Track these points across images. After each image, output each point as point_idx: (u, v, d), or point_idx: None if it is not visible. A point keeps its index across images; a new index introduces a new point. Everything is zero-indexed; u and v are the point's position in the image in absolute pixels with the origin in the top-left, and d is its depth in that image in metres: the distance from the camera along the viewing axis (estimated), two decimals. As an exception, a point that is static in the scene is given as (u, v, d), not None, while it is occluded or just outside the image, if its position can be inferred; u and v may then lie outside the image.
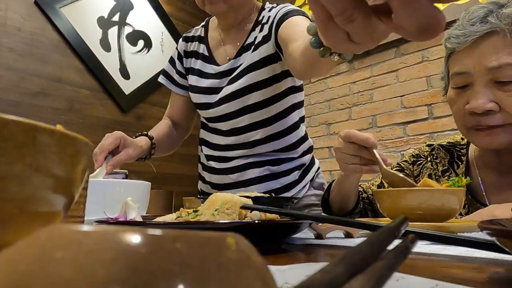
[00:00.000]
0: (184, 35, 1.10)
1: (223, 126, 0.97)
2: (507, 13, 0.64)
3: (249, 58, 0.92)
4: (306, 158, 1.00)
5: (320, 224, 0.51)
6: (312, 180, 1.01)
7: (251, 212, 0.45)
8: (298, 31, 0.78)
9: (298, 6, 1.13)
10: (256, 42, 0.92)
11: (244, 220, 0.43)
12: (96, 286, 0.08)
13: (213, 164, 1.00)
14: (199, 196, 0.88)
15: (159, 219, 0.48)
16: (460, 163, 0.82)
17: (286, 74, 0.92)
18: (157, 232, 0.10)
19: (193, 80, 1.02)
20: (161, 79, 1.11)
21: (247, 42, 0.95)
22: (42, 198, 0.15)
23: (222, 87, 0.95)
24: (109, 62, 2.36)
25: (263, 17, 0.94)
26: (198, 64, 1.02)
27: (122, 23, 2.46)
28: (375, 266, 0.12)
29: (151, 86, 2.54)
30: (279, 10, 0.90)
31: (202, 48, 1.04)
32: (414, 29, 0.20)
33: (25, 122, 0.13)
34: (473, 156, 0.81)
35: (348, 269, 0.12)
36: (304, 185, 0.98)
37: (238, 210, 0.44)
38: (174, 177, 2.58)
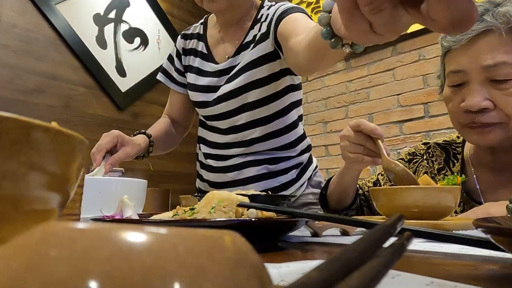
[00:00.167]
0: (182, 32, 1.09)
1: (222, 124, 0.97)
2: (503, 12, 0.64)
3: (247, 56, 0.92)
4: (304, 157, 1.00)
5: (316, 222, 0.51)
6: (309, 178, 1.01)
7: (247, 210, 0.45)
8: (299, 26, 0.78)
9: (296, 4, 1.13)
10: (255, 41, 0.92)
11: (240, 218, 0.43)
12: (91, 285, 0.08)
13: (211, 162, 1.00)
14: (196, 194, 0.88)
15: (156, 217, 0.48)
16: (455, 161, 0.83)
17: (284, 72, 0.92)
18: (153, 230, 0.10)
19: (191, 78, 1.02)
20: (159, 76, 1.11)
21: (245, 41, 0.94)
22: (36, 195, 0.15)
23: (221, 86, 0.95)
24: (105, 59, 2.35)
25: (262, 15, 0.94)
26: (196, 62, 1.02)
27: (118, 20, 2.44)
28: (370, 263, 0.13)
29: (147, 83, 2.53)
30: (278, 8, 0.90)
31: (201, 46, 1.03)
32: (447, 22, 0.19)
33: (19, 119, 0.13)
34: (469, 154, 0.81)
35: (344, 267, 0.12)
36: (302, 184, 0.98)
37: (235, 208, 0.44)
38: (172, 175, 2.57)
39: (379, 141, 0.64)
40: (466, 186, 0.78)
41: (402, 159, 0.90)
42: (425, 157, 0.87)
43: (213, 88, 0.96)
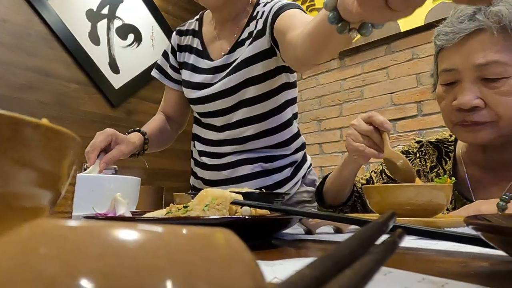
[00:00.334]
0: (177, 28, 1.08)
1: (217, 121, 0.97)
2: (495, 11, 0.65)
3: (243, 53, 0.92)
4: (299, 155, 1.00)
5: (310, 219, 0.51)
6: (304, 176, 1.01)
7: (241, 208, 0.45)
8: (296, 21, 0.77)
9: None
10: (250, 38, 0.92)
11: (234, 216, 0.43)
12: (82, 282, 0.08)
13: (205, 160, 0.99)
14: (189, 192, 0.88)
15: (149, 215, 0.48)
16: (447, 159, 0.83)
17: (280, 70, 0.92)
18: (145, 227, 0.10)
19: (186, 75, 1.01)
20: (154, 73, 1.10)
21: (241, 38, 0.94)
22: (27, 192, 0.14)
23: (216, 82, 0.95)
24: (98, 56, 2.32)
25: (258, 12, 0.93)
26: (191, 58, 1.01)
27: (111, 16, 2.42)
28: (363, 260, 0.13)
29: (141, 80, 2.51)
30: (274, 5, 0.89)
31: (196, 43, 1.03)
32: None
33: (9, 115, 0.13)
34: (461, 152, 0.82)
35: (336, 264, 0.12)
36: (296, 182, 0.99)
37: (229, 206, 0.44)
38: (166, 172, 2.56)
39: (386, 134, 0.65)
40: (458, 184, 0.79)
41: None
42: (418, 155, 0.88)
43: (209, 85, 0.96)
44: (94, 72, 2.29)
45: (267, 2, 0.94)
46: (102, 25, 2.36)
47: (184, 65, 1.03)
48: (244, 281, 0.11)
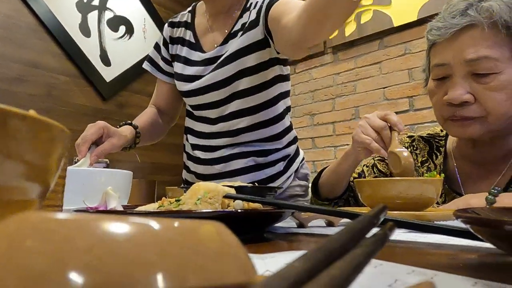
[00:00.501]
0: (169, 20, 1.07)
1: (210, 114, 0.96)
2: (486, 7, 0.65)
3: (236, 44, 0.91)
4: (291, 149, 1.00)
5: (302, 213, 0.51)
6: (296, 170, 1.02)
7: (234, 201, 0.45)
8: (290, 6, 0.77)
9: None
10: (243, 29, 0.91)
11: (226, 210, 0.43)
12: (70, 277, 0.07)
13: (198, 154, 0.99)
14: (182, 186, 0.88)
15: (141, 209, 0.47)
16: (438, 154, 0.84)
17: (274, 61, 0.92)
18: (135, 220, 0.10)
19: (178, 67, 1.00)
20: (145, 65, 1.09)
21: (234, 29, 0.93)
22: (15, 185, 0.14)
23: (207, 74, 0.94)
24: (89, 48, 2.29)
25: (251, 3, 0.93)
26: (184, 51, 1.00)
27: (102, 7, 2.38)
28: (354, 253, 0.13)
29: (133, 73, 2.48)
30: None
31: (188, 35, 1.01)
32: None
33: (-5, 106, 0.13)
34: (451, 147, 0.83)
35: (327, 256, 0.12)
36: (289, 176, 0.99)
37: (221, 200, 0.44)
38: (158, 166, 2.55)
39: (396, 133, 0.66)
40: (448, 178, 0.80)
41: (387, 151, 0.91)
42: (409, 149, 0.88)
43: (200, 77, 0.95)
44: (84, 65, 2.25)
45: None
46: (92, 16, 2.32)
47: (176, 58, 1.02)
48: (235, 274, 0.11)
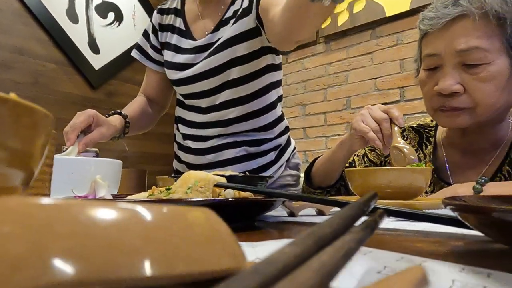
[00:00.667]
0: (159, 7, 1.05)
1: (201, 103, 0.95)
2: None
3: (228, 32, 0.90)
4: (283, 139, 1.00)
5: (293, 202, 0.52)
6: (288, 160, 1.02)
7: (224, 190, 0.45)
8: None
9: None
10: (235, 16, 0.90)
11: (217, 198, 0.43)
12: (50, 263, 0.07)
13: (189, 143, 0.98)
14: (173, 175, 0.87)
15: (131, 198, 0.47)
16: (428, 144, 0.85)
17: (265, 50, 0.91)
18: (120, 205, 0.09)
19: (168, 55, 0.98)
20: (134, 53, 1.07)
21: (226, 16, 0.92)
22: (-4, 172, 0.14)
23: (199, 62, 0.93)
24: (77, 34, 2.23)
25: None
26: (174, 39, 0.98)
27: (90, -7, 2.32)
28: (343, 239, 0.13)
29: (122, 61, 2.43)
30: None
31: (178, 22, 0.99)
32: None
33: (-28, 88, 0.12)
34: (441, 137, 0.84)
35: (317, 242, 0.12)
36: (280, 166, 0.99)
37: (212, 188, 0.44)
38: (149, 156, 2.53)
39: (397, 128, 0.67)
40: (437, 167, 0.81)
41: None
42: (399, 139, 0.89)
43: (191, 65, 0.94)
44: (72, 52, 2.20)
45: None
46: (80, 2, 2.26)
47: (166, 46, 1.00)
48: (224, 260, 0.11)
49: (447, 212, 0.28)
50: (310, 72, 2.44)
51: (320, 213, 0.54)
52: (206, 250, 0.10)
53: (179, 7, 1.01)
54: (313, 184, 0.86)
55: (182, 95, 1.00)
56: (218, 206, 0.37)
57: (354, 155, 0.92)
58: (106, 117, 0.88)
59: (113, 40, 2.42)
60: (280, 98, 1.01)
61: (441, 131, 0.85)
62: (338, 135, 2.26)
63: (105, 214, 0.09)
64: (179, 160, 1.03)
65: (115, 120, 0.90)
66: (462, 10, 0.66)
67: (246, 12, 0.88)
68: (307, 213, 0.55)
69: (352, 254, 0.12)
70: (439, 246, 0.27)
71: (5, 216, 0.07)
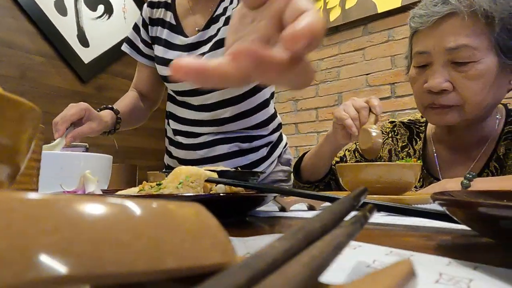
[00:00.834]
0: (149, 0, 1.03)
1: (193, 100, 0.94)
2: None
3: (220, 32, 0.89)
4: (275, 135, 1.01)
5: (284, 197, 0.52)
6: (279, 156, 1.02)
7: (216, 185, 0.45)
8: None
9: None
10: (226, 14, 0.89)
11: (208, 193, 0.43)
12: (34, 258, 0.07)
13: (180, 139, 0.98)
14: (164, 170, 0.86)
15: (121, 193, 0.47)
16: (418, 139, 0.86)
17: None
18: (107, 200, 0.09)
19: (159, 50, 0.97)
20: (124, 47, 1.05)
21: (216, 13, 0.91)
22: (-20, 166, 0.13)
23: None
24: (66, 27, 2.19)
25: None
26: (164, 33, 0.97)
27: (79, -15, 2.27)
28: (333, 233, 0.13)
29: (113, 55, 2.40)
30: None
31: (169, 16, 0.98)
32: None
33: (-46, 80, 0.12)
34: (431, 133, 0.85)
35: (307, 237, 0.12)
36: (272, 161, 0.99)
37: (203, 184, 0.44)
38: (139, 151, 2.51)
39: (374, 116, 0.68)
40: (427, 163, 0.82)
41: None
42: (390, 135, 0.90)
43: None
44: (61, 45, 2.16)
45: None
46: (69, -6, 2.22)
47: (156, 40, 0.99)
48: (213, 255, 0.11)
49: (436, 207, 0.29)
50: (302, 68, 2.43)
51: (311, 208, 0.54)
52: (195, 245, 0.10)
53: (169, 1, 0.99)
54: (302, 178, 0.86)
55: (173, 91, 0.99)
56: (209, 201, 0.37)
57: (346, 149, 0.93)
58: (98, 111, 0.87)
59: (103, 33, 2.39)
60: (272, 95, 1.01)
61: (431, 127, 0.86)
62: (330, 130, 2.27)
63: (92, 208, 0.08)
64: (170, 155, 1.02)
65: (107, 115, 0.88)
66: (451, 8, 0.67)
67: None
68: (298, 208, 0.56)
69: (342, 248, 0.12)
70: (428, 240, 0.28)
71: (-13, 211, 0.07)
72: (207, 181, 0.44)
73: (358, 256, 0.21)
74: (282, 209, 0.52)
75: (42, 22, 2.08)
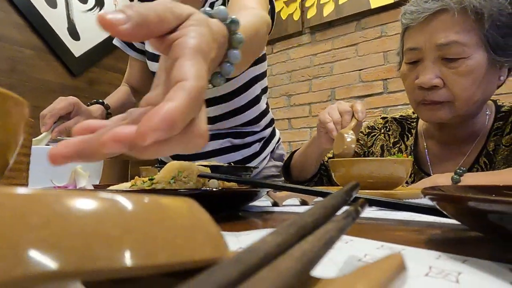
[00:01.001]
0: None
1: None
2: None
3: None
4: (268, 131, 1.00)
5: (277, 192, 0.52)
6: (272, 151, 1.02)
7: (209, 180, 0.45)
8: (247, 2, 0.73)
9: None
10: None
11: (201, 188, 0.43)
12: (23, 254, 0.07)
13: None
14: (156, 165, 0.86)
15: (112, 188, 0.46)
16: (409, 135, 0.87)
17: None
18: (97, 195, 0.09)
19: (149, 46, 0.96)
20: (116, 41, 1.04)
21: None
22: (-33, 161, 0.13)
23: None
24: (56, 20, 2.15)
25: None
26: None
27: (69, -24, 2.23)
28: (325, 227, 0.13)
29: (104, 49, 2.37)
30: None
31: None
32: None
33: None
34: (422, 129, 0.86)
35: (299, 231, 0.12)
36: (265, 157, 0.99)
37: (196, 179, 0.44)
38: (131, 146, 2.49)
39: (355, 121, 0.68)
40: (418, 158, 0.83)
41: (361, 132, 0.93)
42: (382, 131, 0.91)
43: None
44: (51, 38, 2.12)
45: None
46: (59, -14, 2.18)
47: None
48: (205, 250, 0.11)
49: (426, 201, 0.29)
50: (296, 63, 2.43)
51: (303, 203, 0.55)
52: (187, 239, 0.10)
53: None
54: (291, 177, 0.86)
55: None
56: (202, 196, 0.37)
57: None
58: (88, 105, 0.86)
59: (94, 26, 2.35)
60: (264, 90, 1.00)
61: (422, 123, 0.87)
62: (323, 126, 2.28)
63: (83, 203, 0.08)
64: (163, 150, 1.02)
65: (96, 110, 0.87)
66: (441, 5, 0.67)
67: (223, 5, 0.86)
68: (291, 203, 0.56)
69: (334, 242, 0.13)
70: (418, 235, 0.28)
71: (-26, 206, 0.07)
72: (200, 176, 0.44)
73: (349, 250, 0.22)
74: (275, 204, 0.52)
75: (32, 15, 2.04)
